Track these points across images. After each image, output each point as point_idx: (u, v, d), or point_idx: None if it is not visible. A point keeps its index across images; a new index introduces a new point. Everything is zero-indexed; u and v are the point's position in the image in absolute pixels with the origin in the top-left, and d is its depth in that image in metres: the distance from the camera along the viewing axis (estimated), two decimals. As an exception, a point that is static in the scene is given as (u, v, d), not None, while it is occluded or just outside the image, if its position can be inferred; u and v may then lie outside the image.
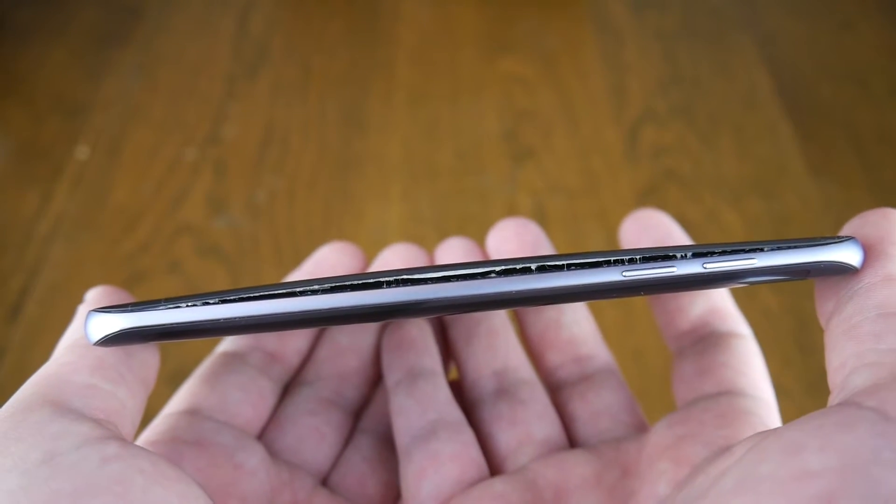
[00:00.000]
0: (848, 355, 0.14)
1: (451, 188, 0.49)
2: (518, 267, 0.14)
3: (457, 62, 0.57)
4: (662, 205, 0.48)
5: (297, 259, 0.48)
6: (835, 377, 0.14)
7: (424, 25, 0.60)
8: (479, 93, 0.55)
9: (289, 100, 0.55)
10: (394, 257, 0.22)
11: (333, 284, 0.14)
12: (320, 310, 0.14)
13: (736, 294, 0.21)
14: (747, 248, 0.14)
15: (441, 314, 0.15)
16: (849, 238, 0.15)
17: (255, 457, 0.18)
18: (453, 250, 0.22)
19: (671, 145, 0.51)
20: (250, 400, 0.19)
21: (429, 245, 0.22)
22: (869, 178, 0.49)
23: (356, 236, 0.46)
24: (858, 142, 0.51)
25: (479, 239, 0.22)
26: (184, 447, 0.18)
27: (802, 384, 0.39)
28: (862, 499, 0.11)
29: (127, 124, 0.53)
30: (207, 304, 0.14)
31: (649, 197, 0.48)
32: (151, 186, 0.49)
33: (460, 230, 0.42)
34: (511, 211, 0.47)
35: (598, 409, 0.20)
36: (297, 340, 0.21)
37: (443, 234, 0.45)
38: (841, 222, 0.16)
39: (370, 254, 0.23)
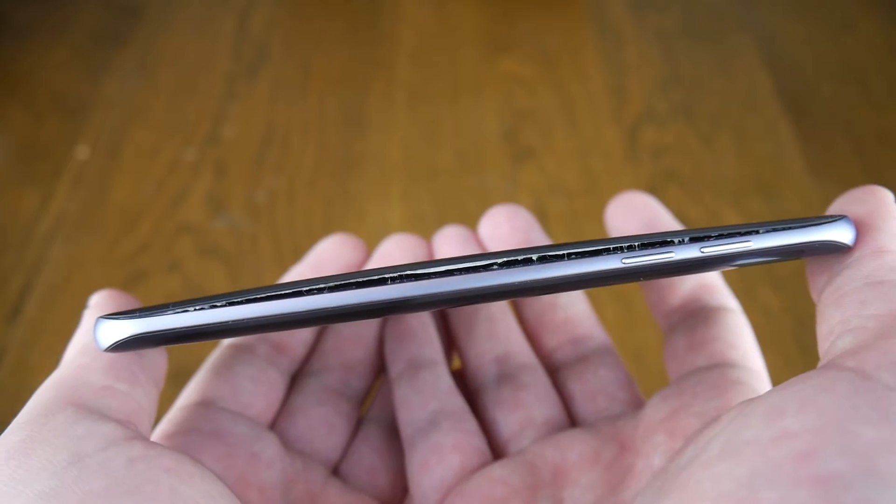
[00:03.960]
0: (835, 323, 0.14)
1: (452, 188, 0.49)
2: (520, 258, 0.14)
3: (457, 62, 0.57)
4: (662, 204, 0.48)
5: (297, 259, 0.48)
6: (823, 345, 0.14)
7: (424, 25, 0.60)
8: (479, 93, 0.55)
9: (289, 100, 0.55)
10: (394, 248, 0.22)
11: (338, 283, 0.14)
12: (326, 308, 0.14)
13: (735, 293, 0.21)
14: (743, 230, 0.15)
15: (445, 307, 0.15)
16: (841, 217, 0.15)
17: (270, 447, 0.19)
18: (450, 238, 0.22)
19: (671, 145, 0.51)
20: (261, 390, 0.20)
21: (429, 244, 0.22)
22: (869, 179, 0.49)
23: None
24: (858, 142, 0.51)
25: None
26: (202, 438, 0.18)
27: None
28: (839, 454, 0.11)
29: (127, 124, 0.53)
30: (215, 306, 0.14)
31: (649, 197, 0.48)
32: (151, 186, 0.49)
33: (460, 230, 0.42)
34: (511, 211, 0.47)
35: (595, 388, 0.20)
36: (302, 332, 0.21)
37: (443, 234, 0.45)
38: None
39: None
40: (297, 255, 0.45)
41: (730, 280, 0.43)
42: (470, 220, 0.47)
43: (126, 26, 0.60)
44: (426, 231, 0.46)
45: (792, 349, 0.41)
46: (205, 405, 0.19)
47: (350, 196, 0.48)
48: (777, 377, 0.19)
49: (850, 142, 0.51)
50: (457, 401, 0.20)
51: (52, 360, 0.40)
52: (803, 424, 0.12)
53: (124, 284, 0.43)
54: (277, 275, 0.44)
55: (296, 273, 0.23)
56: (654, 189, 0.48)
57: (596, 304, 0.23)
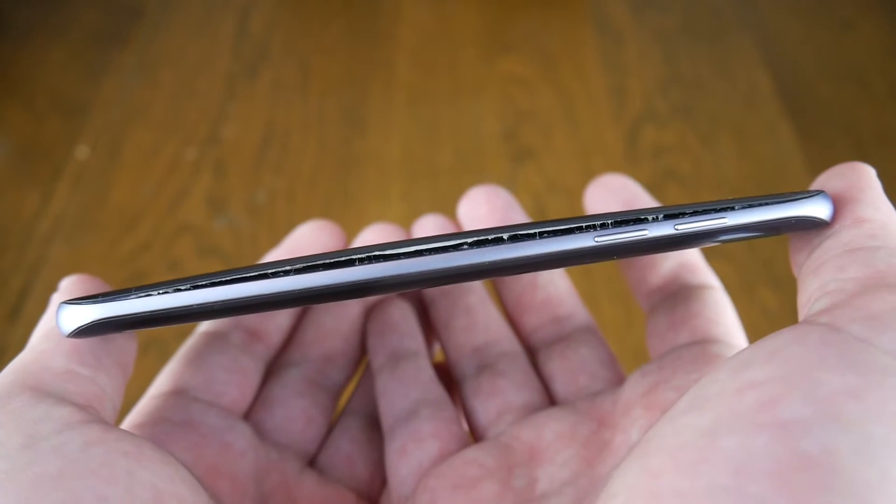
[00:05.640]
0: (813, 289, 0.14)
1: (451, 188, 0.49)
2: (490, 237, 0.14)
3: (457, 62, 0.57)
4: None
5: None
6: (801, 312, 0.14)
7: (424, 25, 0.60)
8: (478, 93, 0.55)
9: (289, 100, 0.55)
10: (374, 237, 0.22)
11: (306, 264, 0.14)
12: (294, 290, 0.14)
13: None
14: (718, 207, 0.14)
15: (416, 288, 0.14)
16: (818, 192, 0.15)
17: (242, 437, 0.19)
18: (429, 227, 0.22)
19: (671, 145, 0.51)
20: (235, 380, 0.19)
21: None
22: (869, 178, 0.49)
23: (356, 236, 0.46)
24: (858, 142, 0.51)
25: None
26: (172, 428, 0.18)
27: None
28: (803, 400, 0.11)
29: (127, 124, 0.53)
30: (179, 290, 0.14)
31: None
32: (151, 186, 0.49)
33: (460, 230, 0.42)
34: (511, 211, 0.47)
35: (577, 366, 0.20)
36: (278, 318, 0.21)
37: (442, 234, 0.46)
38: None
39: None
40: (297, 254, 0.45)
41: (729, 280, 0.43)
42: (470, 220, 0.47)
43: (126, 26, 0.60)
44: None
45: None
46: (176, 394, 0.18)
47: (350, 196, 0.48)
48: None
49: (849, 141, 0.51)
50: (437, 390, 0.20)
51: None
52: (769, 374, 0.12)
53: (124, 284, 0.43)
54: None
55: (271, 258, 0.22)
56: (654, 189, 0.48)
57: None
